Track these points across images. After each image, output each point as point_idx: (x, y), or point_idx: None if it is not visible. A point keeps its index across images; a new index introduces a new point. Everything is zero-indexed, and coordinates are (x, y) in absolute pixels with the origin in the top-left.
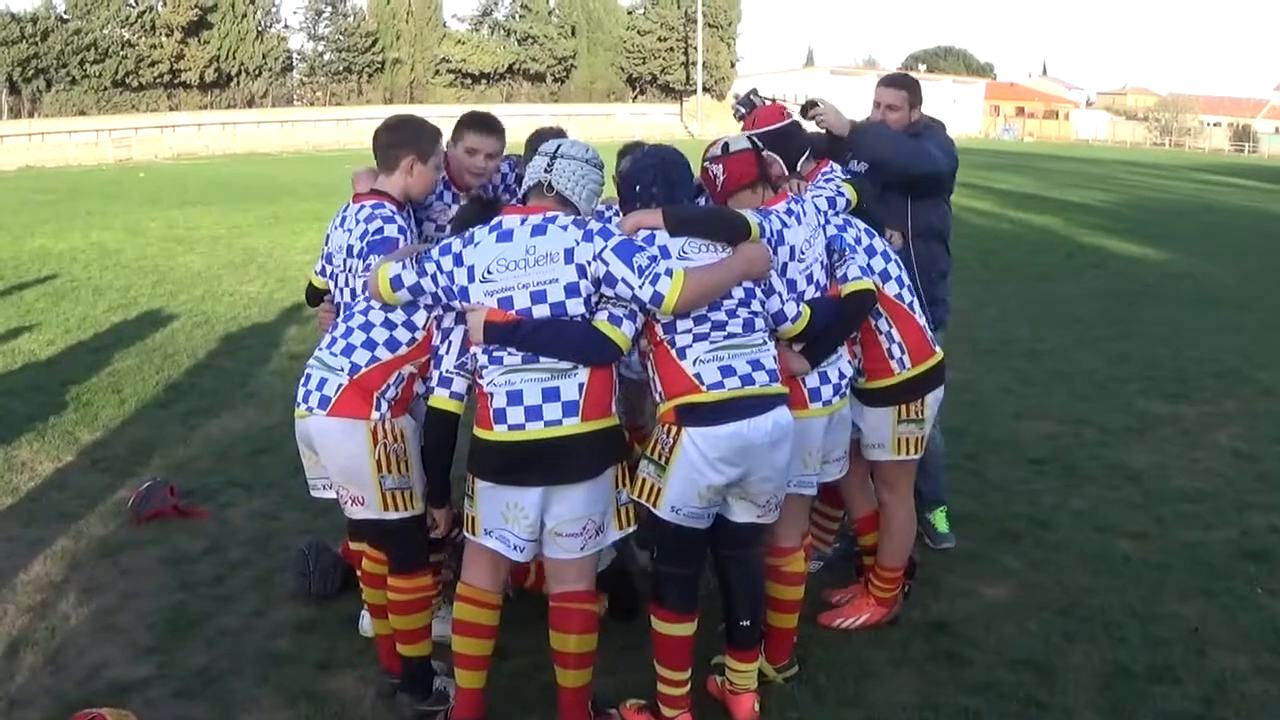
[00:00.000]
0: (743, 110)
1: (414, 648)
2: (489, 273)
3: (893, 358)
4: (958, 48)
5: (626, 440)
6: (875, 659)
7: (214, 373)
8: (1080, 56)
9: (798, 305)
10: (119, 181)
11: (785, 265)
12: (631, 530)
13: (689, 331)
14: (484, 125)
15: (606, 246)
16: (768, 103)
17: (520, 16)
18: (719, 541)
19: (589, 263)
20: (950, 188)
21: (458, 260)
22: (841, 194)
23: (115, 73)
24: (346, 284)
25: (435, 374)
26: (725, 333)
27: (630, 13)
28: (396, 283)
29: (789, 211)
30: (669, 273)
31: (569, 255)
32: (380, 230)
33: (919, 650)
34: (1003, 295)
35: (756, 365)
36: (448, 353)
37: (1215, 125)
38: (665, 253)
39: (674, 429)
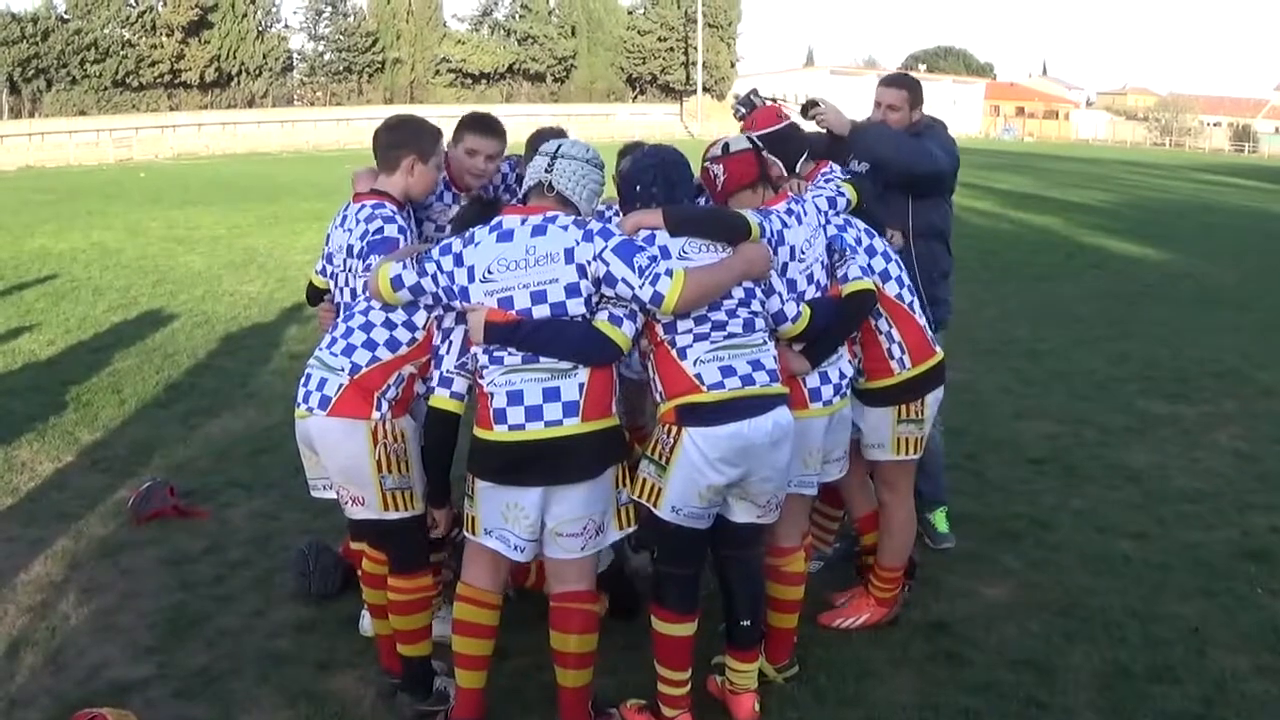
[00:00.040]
0: (743, 110)
1: (414, 648)
2: (489, 273)
3: (893, 358)
4: (958, 48)
5: (627, 440)
6: (875, 659)
7: (214, 373)
8: (1080, 56)
9: (798, 305)
10: (119, 181)
11: (785, 265)
12: (632, 530)
13: (689, 332)
14: (484, 126)
15: (607, 246)
16: (768, 103)
17: (520, 16)
18: (719, 542)
19: (589, 263)
20: (952, 187)
21: (458, 260)
22: (842, 194)
23: (115, 73)
24: (347, 284)
25: (436, 374)
26: (726, 333)
27: (630, 13)
28: (397, 283)
29: (789, 211)
30: (669, 273)
31: (569, 255)
32: (380, 230)
33: (919, 650)
34: (1003, 295)
35: (757, 365)
36: (448, 353)
37: (1215, 125)
38: (665, 253)
39: (674, 429)
